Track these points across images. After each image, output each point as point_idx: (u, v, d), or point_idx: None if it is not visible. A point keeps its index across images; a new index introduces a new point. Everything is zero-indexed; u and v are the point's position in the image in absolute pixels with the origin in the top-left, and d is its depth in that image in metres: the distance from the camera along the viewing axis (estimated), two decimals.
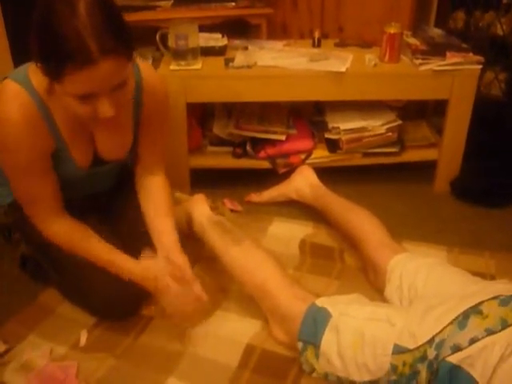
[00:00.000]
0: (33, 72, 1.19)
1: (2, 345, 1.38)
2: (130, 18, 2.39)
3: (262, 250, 1.50)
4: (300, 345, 1.27)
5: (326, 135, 2.16)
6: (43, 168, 1.29)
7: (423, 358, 1.10)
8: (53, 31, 1.03)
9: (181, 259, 1.38)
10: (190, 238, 1.69)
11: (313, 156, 2.14)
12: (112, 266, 1.38)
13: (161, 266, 1.36)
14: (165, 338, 1.43)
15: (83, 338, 1.42)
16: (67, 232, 1.37)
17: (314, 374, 1.27)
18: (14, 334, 1.42)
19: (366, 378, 1.17)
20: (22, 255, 1.64)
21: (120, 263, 1.38)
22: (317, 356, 1.24)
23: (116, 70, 1.08)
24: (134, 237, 1.52)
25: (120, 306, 1.46)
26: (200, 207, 1.71)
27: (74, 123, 1.28)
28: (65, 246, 1.38)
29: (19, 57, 1.22)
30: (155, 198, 1.50)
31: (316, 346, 1.24)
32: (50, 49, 1.04)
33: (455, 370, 1.05)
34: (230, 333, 1.44)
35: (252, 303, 1.45)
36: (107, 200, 1.63)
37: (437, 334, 1.10)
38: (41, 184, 1.30)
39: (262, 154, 2.14)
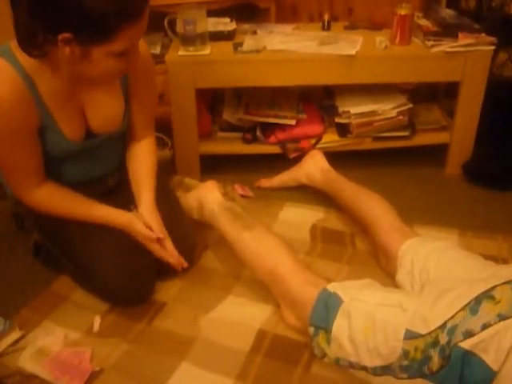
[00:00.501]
0: (17, 48, 1.20)
1: (17, 331, 1.39)
2: None
3: (273, 236, 1.50)
4: (311, 330, 1.28)
5: (336, 119, 2.14)
6: (28, 141, 1.29)
7: (435, 343, 1.09)
8: None
9: (152, 219, 1.42)
10: (200, 224, 1.70)
11: (323, 140, 2.13)
12: (94, 219, 1.42)
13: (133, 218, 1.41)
14: (177, 323, 1.44)
15: (96, 324, 1.44)
16: (47, 197, 1.39)
17: (326, 359, 1.28)
18: (29, 321, 1.44)
19: (378, 363, 1.17)
20: (34, 243, 1.66)
21: (99, 215, 1.42)
22: (328, 341, 1.25)
23: (147, 16, 1.17)
24: None
25: (131, 293, 1.47)
26: (211, 193, 1.71)
27: (61, 97, 1.30)
28: (47, 210, 1.40)
29: None
30: (138, 158, 1.55)
31: (327, 330, 1.24)
32: (100, 12, 1.07)
33: (467, 355, 1.04)
34: (241, 318, 1.45)
35: (263, 288, 1.46)
36: (115, 185, 1.63)
37: (449, 320, 1.09)
38: (25, 156, 1.31)
39: (272, 139, 2.13)
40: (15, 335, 1.38)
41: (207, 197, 1.71)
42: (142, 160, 1.55)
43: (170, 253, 1.43)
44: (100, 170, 1.54)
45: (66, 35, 1.09)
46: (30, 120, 1.26)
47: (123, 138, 1.57)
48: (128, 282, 1.44)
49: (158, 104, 1.61)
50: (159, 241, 1.42)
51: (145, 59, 1.41)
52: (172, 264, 1.44)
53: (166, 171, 2.04)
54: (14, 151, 1.28)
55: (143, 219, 1.41)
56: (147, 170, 1.53)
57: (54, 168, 1.40)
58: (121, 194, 1.62)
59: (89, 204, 1.42)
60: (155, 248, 1.42)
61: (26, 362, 1.32)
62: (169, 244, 1.43)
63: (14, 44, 1.21)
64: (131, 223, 1.41)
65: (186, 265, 1.46)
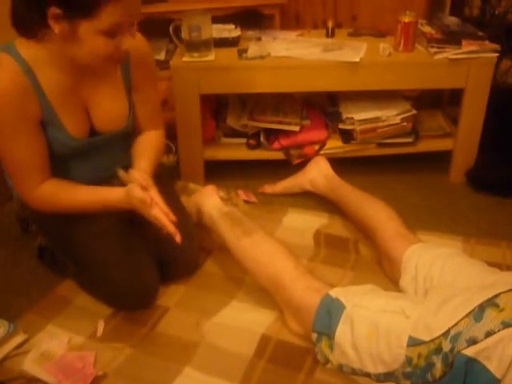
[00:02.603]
0: (20, 43, 1.23)
1: (21, 335, 1.40)
2: (143, 10, 2.41)
3: (274, 241, 1.49)
4: (314, 336, 1.28)
5: (340, 126, 2.15)
6: (31, 134, 1.29)
7: (438, 350, 1.09)
8: None
9: (139, 175, 1.35)
10: (204, 229, 1.71)
11: (327, 147, 2.14)
12: (100, 205, 1.39)
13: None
14: (181, 328, 1.44)
15: (100, 328, 1.44)
16: (50, 191, 1.37)
17: (329, 365, 1.28)
18: (33, 324, 1.45)
19: (381, 369, 1.17)
20: (39, 247, 1.67)
21: (106, 198, 1.38)
22: (331, 347, 1.25)
23: (139, 1, 1.21)
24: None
25: (135, 298, 1.47)
26: (210, 198, 1.71)
27: (64, 92, 1.31)
28: (50, 205, 1.38)
29: None
30: (142, 141, 1.53)
31: (330, 337, 1.24)
32: None
33: (471, 362, 1.04)
34: (245, 323, 1.45)
35: (267, 294, 1.46)
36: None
37: (452, 327, 1.09)
38: (28, 151, 1.30)
39: (276, 145, 2.14)
40: (19, 339, 1.39)
41: (206, 202, 1.70)
42: (146, 141, 1.53)
43: (160, 208, 1.31)
44: (106, 171, 1.54)
45: (55, 10, 1.11)
46: (31, 112, 1.27)
47: (128, 139, 1.58)
48: (132, 286, 1.44)
49: (161, 98, 1.63)
50: (145, 189, 1.32)
51: (143, 52, 1.43)
52: (165, 224, 1.31)
53: (170, 176, 2.05)
54: (17, 145, 1.28)
55: (131, 176, 1.35)
56: (150, 146, 1.51)
57: (59, 168, 1.41)
58: None
59: (87, 189, 1.40)
60: (155, 213, 1.31)
61: (30, 365, 1.32)
62: (154, 193, 1.32)
63: (17, 41, 1.24)
64: (128, 192, 1.33)
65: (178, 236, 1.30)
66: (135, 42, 1.38)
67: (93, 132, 1.41)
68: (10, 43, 1.24)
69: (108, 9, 1.12)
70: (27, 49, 1.23)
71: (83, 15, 1.12)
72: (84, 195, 1.40)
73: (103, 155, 1.49)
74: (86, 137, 1.40)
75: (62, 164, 1.41)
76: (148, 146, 1.52)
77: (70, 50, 1.20)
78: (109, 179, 1.55)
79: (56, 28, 1.14)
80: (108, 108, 1.41)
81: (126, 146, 1.58)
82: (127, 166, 1.59)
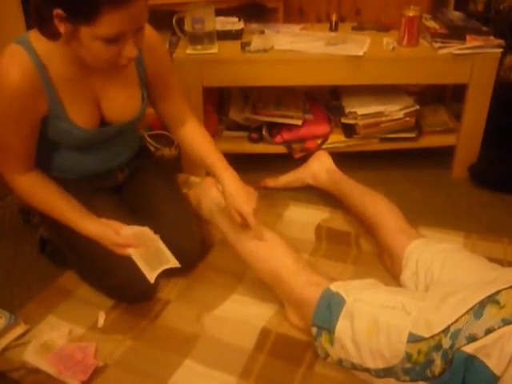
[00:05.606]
0: (33, 36, 1.24)
1: (22, 325, 1.40)
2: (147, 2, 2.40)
3: (273, 235, 1.48)
4: (314, 330, 1.28)
5: (343, 120, 2.14)
6: (26, 127, 1.31)
7: (438, 346, 1.09)
8: None
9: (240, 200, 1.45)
10: (203, 222, 1.70)
11: (329, 141, 2.13)
12: (67, 222, 1.41)
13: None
14: (181, 320, 1.45)
15: (101, 320, 1.45)
16: (31, 183, 1.40)
17: (329, 360, 1.28)
18: (34, 315, 1.45)
19: (380, 365, 1.17)
20: (41, 238, 1.67)
21: (75, 222, 1.40)
22: (331, 342, 1.25)
23: (144, 9, 1.15)
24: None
25: (136, 290, 1.48)
26: (208, 192, 1.70)
27: (74, 85, 1.32)
28: (26, 198, 1.42)
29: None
30: (198, 147, 1.56)
31: (330, 331, 1.24)
32: None
33: (470, 359, 1.05)
34: (245, 316, 1.46)
35: (267, 287, 1.46)
36: (124, 181, 1.65)
37: (452, 324, 1.09)
38: (18, 141, 1.32)
39: (278, 138, 2.14)
40: (20, 329, 1.39)
41: (205, 195, 1.70)
42: (202, 147, 1.55)
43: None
44: (113, 162, 1.56)
45: (59, 11, 1.10)
46: (35, 107, 1.28)
47: (135, 131, 1.58)
48: (132, 278, 1.44)
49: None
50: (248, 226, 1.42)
51: (153, 42, 1.41)
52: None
53: (172, 169, 2.04)
54: (9, 133, 1.31)
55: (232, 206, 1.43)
56: (212, 149, 1.55)
57: (67, 159, 1.43)
58: (128, 190, 1.65)
59: (66, 208, 1.41)
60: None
61: (31, 356, 1.33)
62: (251, 220, 1.41)
63: (31, 33, 1.25)
64: (102, 238, 1.39)
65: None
66: (148, 36, 1.38)
67: (103, 123, 1.42)
68: (24, 36, 1.25)
69: (106, 18, 1.09)
70: (41, 42, 1.23)
71: (82, 21, 1.11)
72: (58, 208, 1.41)
73: (110, 146, 1.51)
74: (96, 127, 1.41)
75: (69, 155, 1.43)
76: (210, 146, 1.55)
77: (75, 49, 1.21)
78: (111, 171, 1.56)
79: (61, 28, 1.14)
80: (119, 99, 1.41)
81: (132, 138, 1.59)
82: (130, 160, 1.61)
